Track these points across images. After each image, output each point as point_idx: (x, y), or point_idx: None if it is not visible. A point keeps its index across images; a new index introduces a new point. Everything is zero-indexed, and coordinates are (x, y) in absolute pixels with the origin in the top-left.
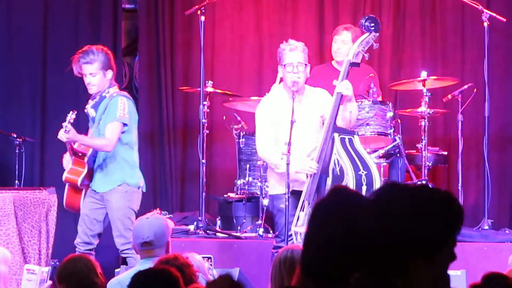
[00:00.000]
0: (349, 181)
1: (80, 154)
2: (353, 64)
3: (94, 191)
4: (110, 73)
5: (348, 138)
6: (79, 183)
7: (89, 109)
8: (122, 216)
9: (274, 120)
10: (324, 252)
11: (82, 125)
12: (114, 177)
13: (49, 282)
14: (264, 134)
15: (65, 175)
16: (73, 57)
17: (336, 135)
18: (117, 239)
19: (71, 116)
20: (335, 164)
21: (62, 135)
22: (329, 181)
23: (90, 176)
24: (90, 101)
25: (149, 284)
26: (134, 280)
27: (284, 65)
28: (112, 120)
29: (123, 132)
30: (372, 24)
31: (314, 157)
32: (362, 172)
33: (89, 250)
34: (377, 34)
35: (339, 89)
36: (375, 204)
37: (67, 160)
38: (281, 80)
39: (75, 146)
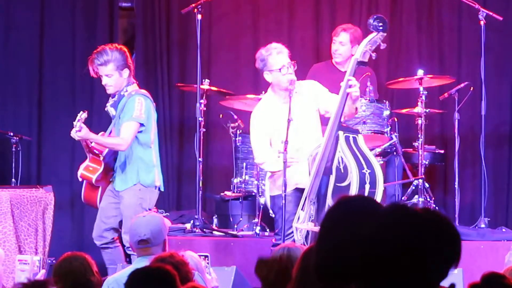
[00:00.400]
0: (353, 179)
1: (96, 152)
2: (360, 63)
3: (114, 188)
4: (126, 72)
5: (353, 137)
6: (94, 180)
7: (109, 107)
8: (132, 214)
9: (269, 129)
10: (332, 258)
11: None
12: (129, 176)
13: (43, 271)
14: (260, 144)
15: (80, 172)
16: (89, 58)
17: (340, 133)
18: (124, 235)
19: (82, 115)
20: (339, 162)
21: (74, 134)
22: (332, 178)
23: (107, 174)
24: (110, 99)
25: (146, 282)
26: (131, 278)
27: (279, 69)
28: (128, 119)
29: (140, 132)
30: (380, 24)
31: (318, 154)
32: (366, 171)
33: (105, 244)
34: (385, 34)
35: (349, 90)
36: (379, 223)
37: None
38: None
39: (92, 144)
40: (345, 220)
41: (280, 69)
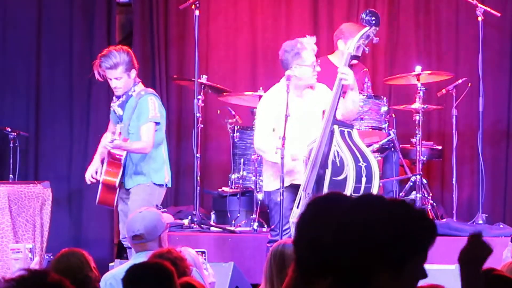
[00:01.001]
0: (349, 172)
1: (118, 157)
2: (354, 57)
3: (125, 187)
4: (134, 72)
5: (347, 131)
6: (117, 184)
7: (115, 107)
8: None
9: (279, 114)
10: (308, 251)
11: (93, 120)
12: (140, 175)
13: (37, 258)
14: (265, 127)
15: (103, 178)
16: (94, 62)
17: (336, 127)
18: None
19: (120, 129)
20: (335, 155)
21: (108, 145)
22: (328, 172)
23: (123, 176)
24: (115, 98)
25: (143, 277)
26: (128, 273)
27: (312, 66)
28: (145, 121)
29: (155, 131)
30: (373, 18)
31: (314, 149)
32: (362, 164)
33: None
34: (378, 28)
35: (343, 76)
36: (352, 209)
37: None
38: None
39: (112, 150)
40: (318, 214)
41: (312, 65)
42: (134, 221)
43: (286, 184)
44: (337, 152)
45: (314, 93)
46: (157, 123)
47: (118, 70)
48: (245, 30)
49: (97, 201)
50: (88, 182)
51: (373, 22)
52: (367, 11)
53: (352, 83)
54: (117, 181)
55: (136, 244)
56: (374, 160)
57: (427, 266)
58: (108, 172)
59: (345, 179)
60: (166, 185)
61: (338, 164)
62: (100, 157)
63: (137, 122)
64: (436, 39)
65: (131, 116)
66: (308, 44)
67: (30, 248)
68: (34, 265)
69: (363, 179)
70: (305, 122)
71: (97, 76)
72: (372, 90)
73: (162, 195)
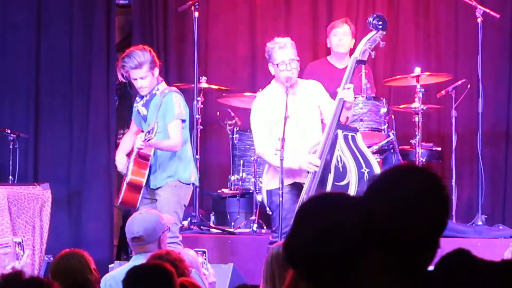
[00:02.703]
0: (352, 178)
1: (146, 156)
2: (360, 62)
3: (149, 187)
4: (157, 71)
5: (351, 136)
6: (144, 183)
7: (140, 107)
8: (170, 210)
9: (270, 117)
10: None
11: (92, 121)
12: (167, 173)
13: (27, 252)
14: (260, 132)
15: (130, 177)
16: (117, 64)
17: (339, 131)
18: None
19: (157, 128)
20: (337, 160)
21: (142, 144)
22: (331, 177)
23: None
24: (138, 98)
25: (144, 279)
26: (128, 275)
27: (277, 64)
28: (172, 119)
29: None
30: (380, 22)
31: (317, 152)
32: (365, 170)
33: None
34: (384, 32)
35: (343, 95)
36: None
37: (122, 160)
38: (273, 77)
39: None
40: (309, 212)
41: (278, 64)
42: (133, 223)
43: (289, 182)
44: (340, 157)
45: (306, 90)
46: (183, 121)
47: (143, 70)
48: (244, 32)
49: (120, 201)
50: (124, 171)
51: (380, 26)
52: (374, 15)
53: (352, 101)
54: (144, 180)
55: (135, 246)
56: (377, 165)
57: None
58: (136, 172)
59: (347, 184)
60: (193, 183)
61: (341, 170)
62: (124, 153)
63: (164, 120)
64: (435, 40)
65: (157, 115)
66: (278, 43)
67: (19, 242)
68: (25, 258)
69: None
70: (300, 120)
71: (120, 78)
72: (374, 89)
73: (189, 194)
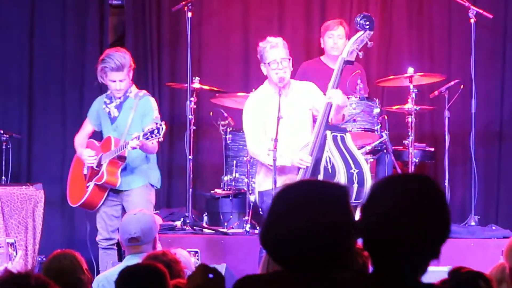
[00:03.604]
0: (341, 179)
1: (123, 156)
2: (347, 62)
3: (116, 188)
4: (131, 73)
5: (340, 136)
6: (118, 183)
7: (112, 109)
8: None
9: (262, 117)
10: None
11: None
12: (139, 175)
13: (20, 252)
14: (253, 132)
15: (106, 178)
16: (97, 65)
17: (328, 132)
18: None
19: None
20: (326, 161)
21: (138, 143)
22: (320, 178)
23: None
24: (107, 100)
25: (136, 279)
26: (121, 275)
27: (268, 63)
28: (151, 121)
29: None
30: (367, 23)
31: (306, 153)
32: (354, 171)
33: (111, 245)
34: (372, 32)
35: (331, 99)
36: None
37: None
38: (266, 77)
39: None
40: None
41: (269, 63)
42: (129, 224)
43: (282, 181)
44: (329, 158)
45: (300, 91)
46: None
47: (124, 72)
48: (237, 32)
49: (81, 202)
50: (94, 165)
51: (367, 26)
52: (362, 15)
53: (342, 104)
54: (119, 181)
55: (130, 246)
56: (366, 166)
57: None
58: (111, 172)
59: None
60: (157, 186)
61: (330, 171)
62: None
63: (140, 122)
64: (428, 40)
65: (132, 117)
66: (269, 42)
67: (12, 243)
68: (18, 259)
69: (355, 186)
70: (291, 121)
71: (100, 80)
72: (367, 89)
73: (154, 196)
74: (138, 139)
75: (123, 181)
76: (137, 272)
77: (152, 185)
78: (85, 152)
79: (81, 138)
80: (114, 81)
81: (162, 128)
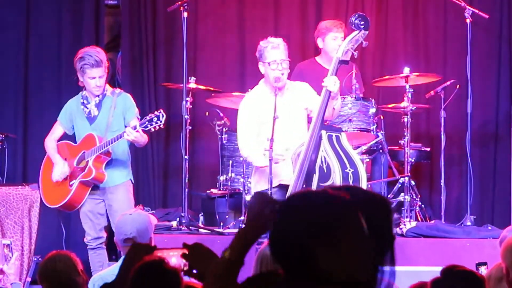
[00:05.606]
0: (336, 179)
1: (108, 153)
2: (342, 62)
3: (99, 185)
4: (107, 70)
5: (336, 136)
6: (105, 179)
7: (92, 108)
8: (125, 209)
9: (257, 117)
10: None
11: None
12: (122, 172)
13: (16, 253)
14: (245, 132)
15: (95, 173)
16: (75, 65)
17: (323, 132)
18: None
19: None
20: (322, 161)
21: (137, 135)
22: (315, 178)
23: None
24: (85, 101)
25: (152, 275)
26: (137, 272)
27: (268, 63)
28: (133, 117)
29: None
30: (362, 22)
31: (301, 153)
32: (349, 170)
33: (100, 244)
34: (367, 32)
35: (326, 84)
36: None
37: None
38: (262, 77)
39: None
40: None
41: (269, 63)
42: (125, 224)
43: (275, 184)
44: (324, 158)
45: (295, 91)
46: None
47: (102, 68)
48: (233, 32)
49: (65, 202)
50: (60, 180)
51: (362, 26)
52: (356, 15)
53: (336, 91)
54: (105, 177)
55: (127, 246)
56: (361, 165)
57: (415, 268)
58: (97, 167)
59: (332, 185)
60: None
61: (325, 170)
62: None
63: (121, 119)
64: (424, 41)
65: (112, 115)
66: (271, 42)
67: (8, 245)
68: (13, 261)
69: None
70: (286, 121)
71: (80, 78)
72: (362, 88)
73: None
74: (135, 129)
75: (108, 177)
76: (153, 268)
77: (131, 182)
78: (58, 163)
79: (53, 142)
80: (94, 77)
81: (163, 115)
